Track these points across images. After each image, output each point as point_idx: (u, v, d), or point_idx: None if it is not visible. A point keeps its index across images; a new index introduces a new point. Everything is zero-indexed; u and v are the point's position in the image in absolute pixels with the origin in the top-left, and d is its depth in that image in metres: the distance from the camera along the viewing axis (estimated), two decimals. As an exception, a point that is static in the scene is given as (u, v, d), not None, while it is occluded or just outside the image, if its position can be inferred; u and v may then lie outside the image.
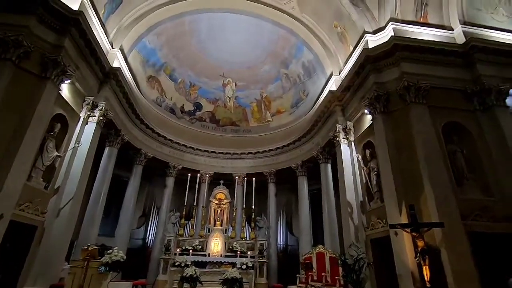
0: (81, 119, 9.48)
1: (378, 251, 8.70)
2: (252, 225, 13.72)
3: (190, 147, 16.52)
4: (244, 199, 14.00)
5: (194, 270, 8.38)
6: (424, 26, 9.84)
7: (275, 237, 15.99)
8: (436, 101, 8.37)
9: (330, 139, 11.58)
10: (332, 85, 12.18)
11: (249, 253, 11.91)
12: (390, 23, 9.58)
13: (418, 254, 6.32)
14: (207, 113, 17.89)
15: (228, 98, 17.66)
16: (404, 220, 7.24)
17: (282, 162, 15.98)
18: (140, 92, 14.30)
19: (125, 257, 7.11)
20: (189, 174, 13.77)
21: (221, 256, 12.19)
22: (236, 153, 17.04)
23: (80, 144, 9.19)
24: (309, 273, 9.77)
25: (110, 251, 7.04)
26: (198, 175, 14.67)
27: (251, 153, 16.82)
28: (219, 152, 17.04)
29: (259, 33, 14.21)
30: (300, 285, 9.84)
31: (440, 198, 7.03)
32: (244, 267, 10.74)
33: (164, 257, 12.04)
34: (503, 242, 6.87)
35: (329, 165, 12.88)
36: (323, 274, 9.50)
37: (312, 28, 12.65)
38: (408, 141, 7.96)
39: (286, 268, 14.37)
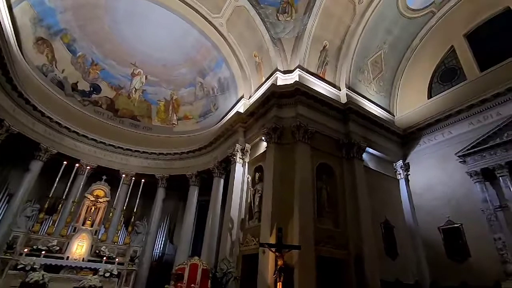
0: None
1: (248, 266, 9.46)
2: (130, 229, 12.75)
3: (74, 131, 14.34)
4: (127, 200, 12.95)
5: (42, 275, 7.17)
6: (322, 81, 11.85)
7: (153, 244, 15.27)
8: (317, 144, 10.05)
9: (228, 156, 12.18)
10: (241, 107, 13.00)
11: (117, 259, 10.93)
12: (297, 69, 11.14)
13: (276, 272, 7.27)
14: (106, 98, 16.10)
15: (134, 90, 16.42)
16: (272, 240, 8.20)
17: (178, 168, 15.67)
18: (21, 53, 11.76)
19: None
20: (65, 162, 11.85)
21: (83, 260, 10.76)
22: (130, 149, 15.75)
23: None
24: (179, 284, 9.73)
25: None
26: (77, 165, 12.78)
27: (146, 152, 15.87)
28: (110, 144, 15.39)
29: (184, 37, 14.04)
30: (167, 296, 9.66)
31: (303, 225, 8.34)
32: (107, 274, 9.79)
33: (3, 256, 9.74)
34: (338, 266, 8.64)
35: (222, 180, 13.41)
36: (192, 285, 9.63)
37: (235, 49, 13.37)
38: (290, 173, 9.20)
39: (158, 277, 13.79)
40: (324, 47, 11.84)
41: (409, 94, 13.63)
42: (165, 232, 16.78)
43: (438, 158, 11.37)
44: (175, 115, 17.12)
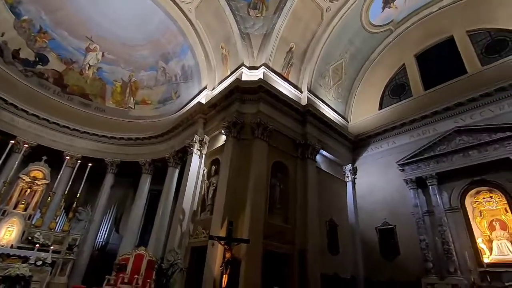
0: None
1: (196, 258, 9.44)
2: (71, 215, 11.85)
3: (12, 104, 12.80)
4: (70, 184, 11.99)
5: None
6: (285, 81, 12.15)
7: (96, 233, 14.40)
8: (274, 142, 10.32)
9: (186, 146, 11.92)
10: (203, 98, 12.78)
11: (52, 247, 10.11)
12: (263, 67, 11.28)
13: (223, 264, 7.38)
14: (53, 72, 14.65)
15: (88, 66, 15.18)
16: (222, 233, 8.27)
17: (130, 154, 14.91)
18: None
19: None
20: (-2, 138, 10.57)
21: (11, 247, 9.76)
22: (77, 130, 14.55)
23: None
24: (121, 275, 9.36)
25: None
26: (12, 141, 11.46)
27: (96, 134, 14.80)
28: (54, 122, 14.04)
29: (150, 17, 13.32)
30: (107, 287, 9.23)
31: (254, 220, 8.55)
32: (39, 263, 9.01)
33: None
34: (283, 259, 9.05)
35: (177, 170, 13.09)
36: (135, 276, 9.34)
37: (202, 38, 13.05)
38: (246, 168, 9.33)
39: (99, 267, 13.05)
40: (291, 48, 12.13)
41: (363, 103, 14.62)
42: (111, 221, 15.91)
43: (381, 165, 12.42)
44: (132, 98, 16.21)
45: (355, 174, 13.36)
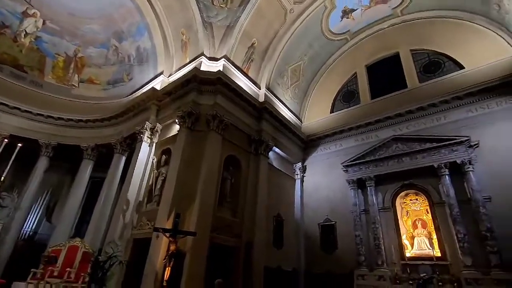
0: None
1: (138, 251, 9.03)
2: (-9, 201, 10.43)
3: None
4: (-8, 166, 10.48)
5: None
6: (245, 76, 12.17)
7: (23, 221, 12.85)
8: (229, 136, 10.31)
9: (135, 133, 11.25)
10: (158, 84, 12.17)
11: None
12: (223, 59, 11.13)
13: (166, 257, 7.18)
14: (-22, 34, 12.58)
15: (24, 33, 13.36)
16: (169, 225, 8.04)
17: (71, 137, 13.55)
18: None
19: None
20: None
21: None
22: (6, 104, 12.69)
23: None
24: (50, 268, 8.52)
25: None
26: None
27: (29, 112, 13.09)
28: (-24, 93, 12.11)
29: (102, -12, 12.15)
30: (32, 281, 8.32)
31: (202, 213, 8.47)
32: None
33: None
34: (229, 252, 9.16)
35: (124, 158, 12.30)
36: (68, 269, 8.58)
37: (161, 20, 12.37)
38: (198, 161, 9.17)
39: (27, 260, 11.68)
40: (253, 44, 12.17)
41: (317, 105, 15.36)
42: (42, 209, 14.34)
43: (328, 165, 13.23)
44: (77, 75, 14.70)
45: (304, 172, 14.03)
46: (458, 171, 9.63)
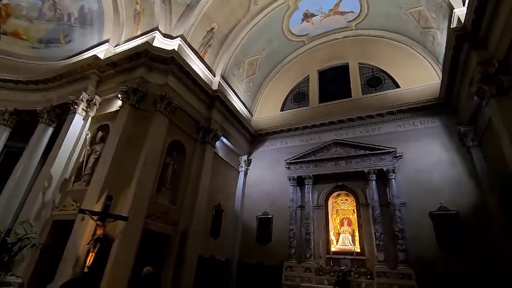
0: None
1: (58, 233, 8.18)
2: None
3: None
4: None
5: None
6: (200, 60, 11.72)
7: None
8: (177, 120, 9.86)
9: (68, 103, 10.01)
10: (102, 52, 10.99)
11: None
12: (180, 38, 10.54)
13: (91, 241, 6.61)
14: None
15: None
16: (98, 208, 7.40)
17: (-17, 97, 11.43)
18: None
19: None
20: None
21: None
22: None
23: None
24: None
25: None
26: None
27: None
28: None
29: None
30: None
31: (138, 197, 7.97)
32: None
33: None
34: (164, 240, 8.84)
35: (50, 129, 10.82)
36: (-38, 251, 7.30)
37: (113, -18, 11.13)
38: (139, 142, 8.56)
39: None
40: (212, 29, 11.78)
41: (268, 102, 15.65)
42: None
43: (272, 161, 13.64)
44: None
45: (249, 166, 14.22)
46: (383, 177, 10.81)
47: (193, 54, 11.26)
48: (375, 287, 9.17)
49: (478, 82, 7.35)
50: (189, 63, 10.42)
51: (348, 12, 13.48)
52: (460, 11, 8.35)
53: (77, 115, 9.67)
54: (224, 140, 12.56)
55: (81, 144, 9.44)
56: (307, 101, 14.74)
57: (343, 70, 14.45)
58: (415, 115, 11.44)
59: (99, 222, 6.79)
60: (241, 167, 14.13)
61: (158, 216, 8.73)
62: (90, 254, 6.47)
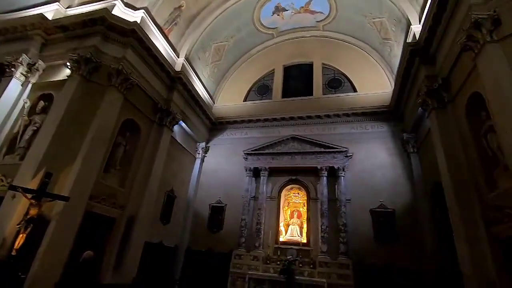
0: None
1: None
2: None
3: None
4: None
5: None
6: (164, 38, 11.07)
7: None
8: (133, 98, 9.22)
9: (3, 65, 8.73)
10: (51, 13, 9.71)
11: None
12: (143, 10, 9.78)
13: (22, 222, 5.94)
14: None
15: None
16: (33, 186, 6.65)
17: None
18: None
19: None
20: None
21: None
22: None
23: None
24: None
25: None
26: None
27: None
28: None
29: None
30: None
31: (82, 177, 7.32)
32: None
33: None
34: (108, 223, 8.32)
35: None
36: None
37: None
38: (88, 117, 7.83)
39: None
40: (180, 7, 11.17)
41: (232, 90, 15.46)
42: None
43: (230, 150, 13.60)
44: None
45: (206, 153, 14.00)
46: (333, 174, 11.47)
47: (156, 30, 10.58)
48: (316, 276, 9.78)
49: (423, 95, 8.11)
50: (151, 38, 9.77)
51: (318, 12, 13.79)
52: (417, 28, 9.06)
53: (14, 79, 8.49)
54: (183, 124, 12.16)
55: (17, 113, 8.36)
56: (270, 94, 14.89)
57: (308, 68, 14.85)
58: (367, 119, 12.28)
59: (34, 201, 6.11)
60: (198, 154, 13.85)
61: (104, 198, 8.16)
62: (20, 235, 5.81)
